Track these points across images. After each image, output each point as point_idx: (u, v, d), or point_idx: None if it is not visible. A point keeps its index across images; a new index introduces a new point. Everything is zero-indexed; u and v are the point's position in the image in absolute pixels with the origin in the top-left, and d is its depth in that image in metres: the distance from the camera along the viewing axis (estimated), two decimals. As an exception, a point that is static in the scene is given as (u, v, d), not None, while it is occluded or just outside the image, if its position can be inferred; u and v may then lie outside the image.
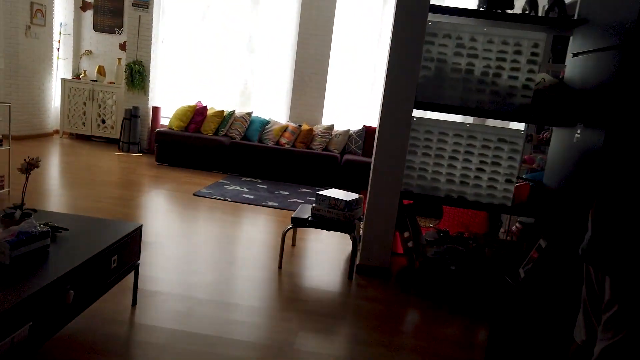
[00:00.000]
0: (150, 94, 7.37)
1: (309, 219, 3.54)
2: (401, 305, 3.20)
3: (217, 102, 7.41)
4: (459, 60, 3.33)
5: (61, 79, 7.60)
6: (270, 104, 7.41)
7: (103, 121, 7.62)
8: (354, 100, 7.28)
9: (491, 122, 4.47)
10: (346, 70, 7.22)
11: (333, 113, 7.30)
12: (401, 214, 3.51)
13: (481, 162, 3.38)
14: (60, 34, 7.73)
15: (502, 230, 3.97)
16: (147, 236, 3.84)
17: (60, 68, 7.90)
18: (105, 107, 7.60)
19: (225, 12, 7.30)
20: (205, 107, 6.90)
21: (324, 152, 6.61)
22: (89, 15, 7.80)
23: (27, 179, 2.29)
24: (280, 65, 7.30)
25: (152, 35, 7.23)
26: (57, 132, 7.89)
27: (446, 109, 3.34)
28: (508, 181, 3.38)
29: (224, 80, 7.44)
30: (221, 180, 6.13)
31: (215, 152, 6.58)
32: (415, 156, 3.43)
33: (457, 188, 3.42)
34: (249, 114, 6.93)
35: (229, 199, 5.28)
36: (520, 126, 3.89)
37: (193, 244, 3.88)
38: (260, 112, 7.31)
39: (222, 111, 6.88)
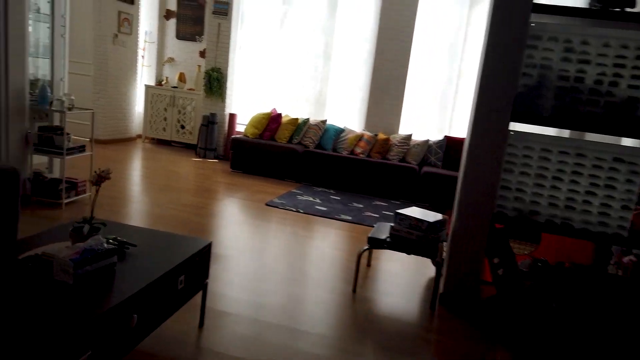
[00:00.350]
0: (227, 101, 7.42)
1: (387, 240, 3.24)
2: (491, 345, 2.81)
3: (292, 109, 7.31)
4: (568, 66, 2.90)
5: (145, 85, 7.86)
6: (345, 112, 7.19)
7: (182, 127, 7.78)
8: (434, 109, 6.88)
9: (601, 138, 3.94)
10: (427, 76, 6.84)
11: (411, 122, 6.94)
12: (492, 238, 3.12)
13: (592, 184, 2.92)
14: (145, 42, 8.01)
15: (611, 262, 3.44)
16: (218, 248, 3.73)
17: (144, 75, 8.18)
18: (184, 113, 7.75)
19: (302, 19, 7.19)
20: (279, 115, 6.81)
21: (401, 163, 6.27)
22: (172, 23, 8.01)
23: (97, 191, 2.20)
24: (356, 72, 7.07)
25: (230, 43, 7.27)
26: (139, 136, 8.17)
27: (550, 122, 2.92)
28: (625, 208, 2.88)
29: (299, 87, 7.32)
30: (294, 190, 5.98)
31: (289, 160, 6.46)
32: (512, 175, 3.03)
33: (562, 213, 2.97)
34: (323, 122, 6.75)
35: (301, 211, 5.10)
36: None
37: (263, 259, 3.72)
38: (335, 120, 7.11)
39: (297, 119, 6.75)
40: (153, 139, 8.12)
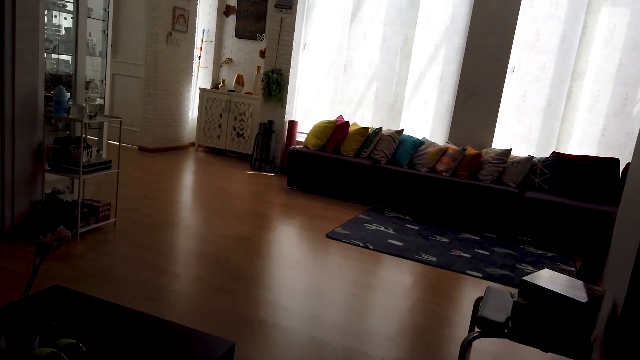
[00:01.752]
0: (287, 106, 6.51)
1: (509, 323, 2.11)
2: None
3: (362, 117, 6.27)
4: None
5: (200, 88, 7.14)
6: (426, 121, 6.04)
7: (239, 134, 6.98)
8: (539, 118, 5.56)
9: None
10: (530, 77, 5.53)
11: (508, 134, 5.66)
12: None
13: None
14: (202, 40, 7.31)
15: None
16: (263, 303, 2.76)
17: (200, 77, 7.48)
18: (241, 120, 6.94)
19: (378, 11, 6.13)
20: (346, 123, 5.78)
21: (496, 186, 5.02)
22: (231, 20, 7.24)
23: (38, 264, 1.28)
24: (440, 72, 5.90)
25: (294, 41, 6.35)
26: (192, 144, 7.47)
27: None
28: None
29: (371, 91, 6.26)
30: (361, 215, 4.93)
31: (356, 177, 5.41)
32: None
33: None
34: (399, 132, 5.64)
35: (370, 246, 4.04)
36: None
37: (319, 326, 2.70)
38: (413, 130, 5.99)
39: (367, 128, 5.70)
40: (207, 147, 7.39)
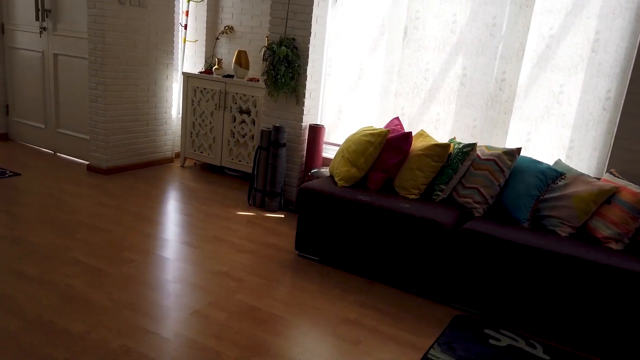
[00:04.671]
0: (307, 102, 3.90)
1: None
2: None
3: (435, 121, 3.57)
4: None
5: (183, 73, 4.70)
6: (559, 129, 3.23)
7: (239, 142, 4.49)
8: None
9: None
10: None
11: None
12: None
13: None
14: (188, 0, 4.84)
15: None
16: None
17: (189, 57, 5.04)
18: (243, 121, 4.45)
19: None
20: (407, 136, 3.07)
21: None
22: (231, -33, 4.72)
23: None
24: (595, 36, 3.05)
25: (319, -11, 3.72)
26: (178, 156, 5.09)
27: None
28: None
29: (454, 73, 3.51)
30: (437, 344, 2.27)
31: (423, 245, 2.73)
32: None
33: None
34: (511, 153, 2.87)
35: None
36: None
37: None
38: (532, 146, 3.21)
39: (446, 145, 2.98)
40: (197, 162, 4.98)
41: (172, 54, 4.73)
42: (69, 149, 4.74)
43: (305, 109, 3.87)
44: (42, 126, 4.88)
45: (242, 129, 4.46)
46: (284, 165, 3.83)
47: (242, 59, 4.51)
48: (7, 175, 4.06)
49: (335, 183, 3.09)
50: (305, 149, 3.95)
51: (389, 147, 3.05)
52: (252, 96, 4.35)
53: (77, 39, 4.35)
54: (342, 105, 4.03)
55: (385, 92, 3.80)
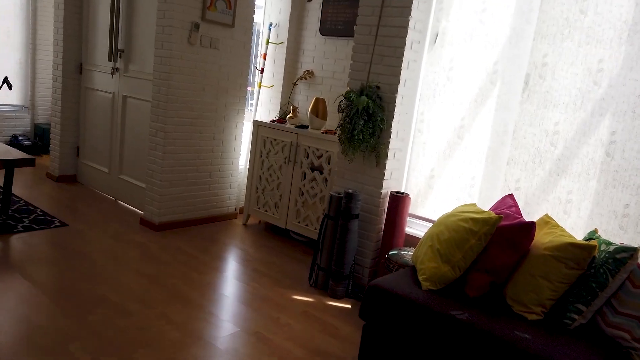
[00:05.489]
0: (390, 165, 3.12)
1: None
2: None
3: (563, 202, 2.61)
4: None
5: (254, 122, 4.17)
6: None
7: (307, 204, 3.81)
8: None
9: None
10: None
11: None
12: None
13: None
14: (267, 42, 4.37)
15: None
16: None
17: (263, 103, 4.53)
18: (314, 179, 3.78)
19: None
20: (528, 227, 2.14)
21: None
22: (315, 7, 4.19)
23: None
24: None
25: (409, 27, 3.01)
26: (242, 212, 4.52)
27: None
28: None
29: (593, 146, 2.56)
30: None
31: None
32: None
33: None
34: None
35: None
36: None
37: None
38: None
39: (591, 247, 2.02)
40: (260, 222, 4.36)
41: (244, 99, 4.24)
42: (129, 198, 4.36)
43: (387, 172, 3.09)
44: (106, 170, 4.59)
45: (312, 188, 3.78)
46: (355, 242, 3.06)
47: (319, 108, 3.89)
48: (53, 225, 3.70)
49: (419, 283, 2.24)
50: (384, 222, 3.15)
51: (500, 239, 2.16)
52: (326, 151, 3.68)
53: (145, 80, 4.02)
54: (434, 171, 3.20)
55: (494, 158, 2.92)
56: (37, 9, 5.84)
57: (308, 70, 4.25)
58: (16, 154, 3.72)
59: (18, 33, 5.87)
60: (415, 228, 3.23)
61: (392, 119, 3.02)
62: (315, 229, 3.77)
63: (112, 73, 4.36)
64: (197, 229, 4.03)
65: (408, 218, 3.16)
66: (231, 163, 4.29)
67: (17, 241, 3.31)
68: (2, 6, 5.67)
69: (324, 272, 3.15)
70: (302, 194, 3.86)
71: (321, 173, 3.72)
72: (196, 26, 3.69)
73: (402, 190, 3.27)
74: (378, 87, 3.04)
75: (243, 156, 4.43)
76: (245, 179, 4.43)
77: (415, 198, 3.26)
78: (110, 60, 4.33)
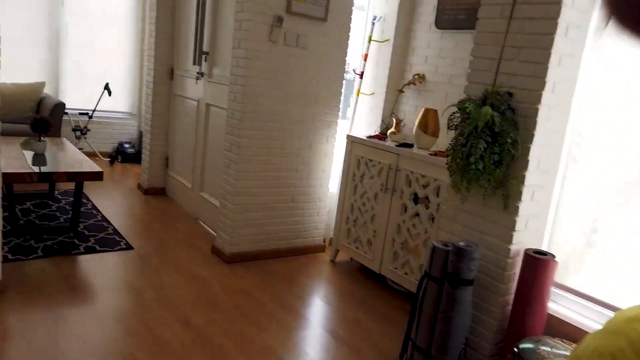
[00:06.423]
0: (526, 210, 2.11)
1: None
2: None
3: None
4: None
5: (347, 137, 3.39)
6: None
7: (405, 247, 2.93)
8: None
9: None
10: None
11: None
12: None
13: None
14: (369, 40, 3.57)
15: None
16: None
17: (360, 114, 3.73)
18: (417, 214, 2.88)
19: None
20: None
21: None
22: (429, 2, 3.30)
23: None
24: None
25: (567, 3, 1.98)
26: (330, 244, 3.76)
27: None
28: None
29: None
30: None
31: None
32: None
33: None
34: None
35: None
36: None
37: None
38: None
39: None
40: (352, 259, 3.56)
41: (338, 109, 3.49)
42: (208, 218, 3.88)
43: (521, 220, 2.09)
44: (189, 186, 4.17)
45: (414, 226, 2.89)
46: (467, 318, 2.11)
47: (429, 122, 2.99)
48: (117, 247, 3.31)
49: None
50: (514, 292, 2.14)
51: None
52: (435, 179, 2.76)
53: (227, 86, 3.47)
54: (598, 223, 2.12)
55: None
56: (145, 15, 5.74)
57: (418, 74, 3.36)
58: (86, 166, 3.40)
59: (127, 40, 5.83)
60: (563, 304, 2.18)
61: (530, 141, 2.02)
62: (416, 280, 2.86)
63: (197, 78, 3.92)
64: (274, 264, 3.36)
65: (553, 289, 2.12)
66: (319, 185, 3.56)
67: (70, 264, 2.93)
68: (113, 13, 5.65)
69: (421, 353, 2.24)
70: (401, 232, 2.98)
71: (427, 208, 2.81)
72: (279, 20, 3.03)
73: (544, 249, 2.23)
74: (510, 94, 2.06)
75: (335, 178, 3.67)
76: (336, 206, 3.67)
77: (564, 262, 2.19)
78: (195, 64, 3.89)
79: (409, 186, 2.92)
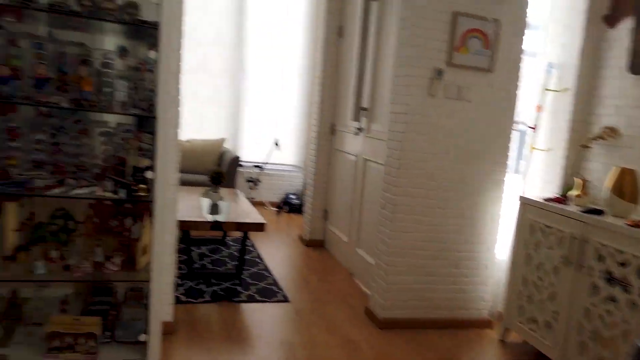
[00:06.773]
0: None
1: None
2: None
3: None
4: None
5: (520, 198, 2.99)
6: None
7: (602, 332, 2.39)
8: None
9: None
10: None
11: None
12: None
13: None
14: (544, 88, 3.17)
15: None
16: None
17: (534, 173, 3.28)
18: (613, 299, 2.35)
19: None
20: None
21: None
22: (620, 35, 2.79)
23: None
24: None
25: None
26: (501, 319, 3.29)
27: None
28: None
29: None
30: None
31: None
32: None
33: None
34: None
35: None
36: None
37: None
38: None
39: None
40: (526, 342, 3.04)
41: (505, 166, 3.12)
42: (363, 276, 3.77)
43: None
44: (346, 240, 4.13)
45: (609, 313, 2.35)
46: None
47: (625, 184, 2.47)
48: (275, 299, 3.37)
49: None
50: None
51: None
52: (636, 256, 2.22)
53: (384, 142, 3.39)
54: None
55: None
56: (314, 78, 6.09)
57: (608, 127, 2.84)
58: (252, 217, 3.58)
59: (297, 100, 6.24)
60: None
61: None
62: (610, 380, 2.29)
63: (356, 134, 3.93)
64: (432, 335, 3.06)
65: None
66: (485, 250, 3.18)
67: (232, 311, 3.07)
68: (287, 78, 6.14)
69: None
70: (591, 319, 2.45)
71: (626, 290, 2.27)
72: (439, 73, 2.87)
73: None
74: None
75: (502, 243, 3.25)
76: (506, 276, 3.23)
77: None
78: (354, 119, 3.91)
79: (601, 262, 2.40)
